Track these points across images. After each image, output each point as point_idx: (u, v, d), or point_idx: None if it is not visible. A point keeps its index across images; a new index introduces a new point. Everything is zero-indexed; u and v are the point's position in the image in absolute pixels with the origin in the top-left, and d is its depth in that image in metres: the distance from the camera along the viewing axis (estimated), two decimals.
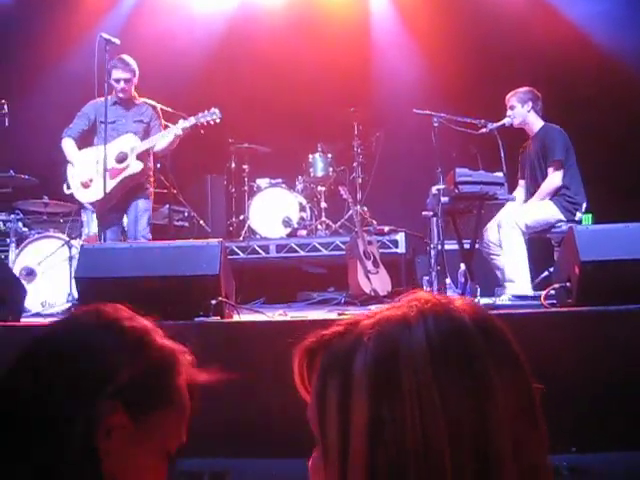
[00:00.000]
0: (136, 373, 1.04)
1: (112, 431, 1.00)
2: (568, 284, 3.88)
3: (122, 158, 5.59)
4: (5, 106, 6.19)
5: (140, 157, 5.61)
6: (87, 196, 5.66)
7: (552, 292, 4.12)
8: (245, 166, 7.75)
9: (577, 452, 3.11)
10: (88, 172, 5.60)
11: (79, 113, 5.78)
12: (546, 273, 5.34)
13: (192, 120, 5.62)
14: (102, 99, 5.62)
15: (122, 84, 5.67)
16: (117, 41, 5.43)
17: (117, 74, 5.65)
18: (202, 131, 5.74)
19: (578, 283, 3.72)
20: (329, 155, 7.60)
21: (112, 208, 5.67)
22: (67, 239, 6.11)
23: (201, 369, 1.15)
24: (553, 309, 3.95)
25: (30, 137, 7.08)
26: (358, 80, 7.77)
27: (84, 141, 5.75)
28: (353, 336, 0.84)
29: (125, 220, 5.86)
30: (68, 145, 5.74)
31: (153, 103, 5.85)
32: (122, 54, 5.73)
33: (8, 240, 6.30)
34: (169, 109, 5.90)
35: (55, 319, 1.14)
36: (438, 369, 0.78)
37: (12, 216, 6.38)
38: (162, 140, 5.65)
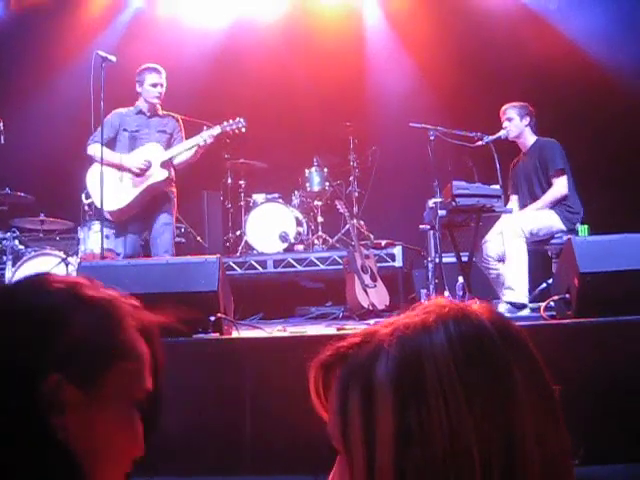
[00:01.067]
0: (72, 338, 0.92)
1: (64, 407, 0.91)
2: (567, 296, 3.88)
3: (146, 166, 5.57)
4: (1, 123, 6.19)
5: (164, 166, 5.58)
6: (108, 204, 5.52)
7: (551, 304, 4.11)
8: (241, 181, 7.74)
9: (579, 465, 3.09)
10: (113, 180, 5.53)
11: (103, 122, 5.60)
12: (544, 285, 5.33)
13: (217, 129, 5.60)
14: (126, 109, 5.69)
15: (159, 89, 5.69)
16: (113, 58, 5.41)
17: (154, 78, 5.68)
18: (228, 140, 5.73)
19: (577, 294, 3.72)
20: (325, 169, 7.60)
21: (133, 220, 5.64)
22: (64, 256, 6.09)
23: (149, 312, 1.05)
24: (553, 321, 3.94)
25: (26, 155, 7.08)
26: (353, 94, 7.79)
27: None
28: (372, 345, 0.84)
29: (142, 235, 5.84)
30: (98, 150, 5.52)
31: (176, 116, 5.85)
32: (149, 64, 5.74)
33: (5, 258, 6.29)
34: (192, 119, 5.88)
35: None
36: (462, 370, 0.79)
37: (8, 234, 6.36)
38: (186, 151, 5.62)
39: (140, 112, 5.75)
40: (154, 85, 5.68)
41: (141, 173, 5.56)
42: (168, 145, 5.71)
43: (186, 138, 5.76)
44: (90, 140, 5.65)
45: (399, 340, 0.82)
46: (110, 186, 5.49)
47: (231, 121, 5.66)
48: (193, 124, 5.80)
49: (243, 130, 5.68)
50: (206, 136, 5.56)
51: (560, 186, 5.24)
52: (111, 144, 5.68)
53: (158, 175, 5.58)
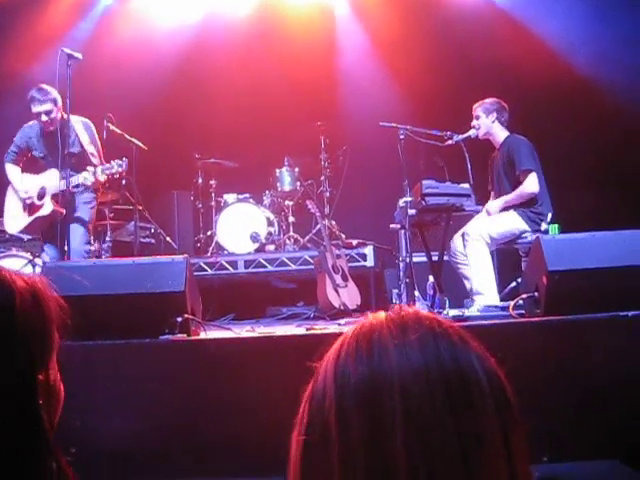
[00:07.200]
0: None
1: None
2: (536, 294, 3.89)
3: (41, 195, 5.51)
4: None
5: (55, 198, 5.40)
6: (11, 226, 5.70)
7: (520, 302, 4.12)
8: (212, 181, 7.69)
9: (549, 462, 3.10)
10: (19, 202, 5.62)
11: (15, 138, 5.69)
12: (514, 284, 5.34)
13: (91, 177, 5.28)
14: (30, 125, 5.62)
15: (44, 117, 5.37)
16: (79, 55, 5.30)
17: (35, 108, 5.35)
18: (107, 185, 5.60)
19: (546, 293, 3.73)
20: (296, 169, 7.58)
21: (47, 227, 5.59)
22: (31, 257, 6.00)
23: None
24: (521, 319, 3.95)
25: None
26: (324, 94, 7.77)
27: (30, 166, 5.68)
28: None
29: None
30: (9, 171, 5.69)
31: (86, 122, 5.55)
32: (41, 84, 5.43)
33: None
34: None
35: None
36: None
37: None
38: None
39: (43, 134, 5.53)
40: (37, 114, 5.39)
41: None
42: (78, 163, 5.38)
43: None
44: (5, 157, 5.70)
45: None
46: (16, 207, 5.63)
47: (113, 163, 5.30)
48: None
49: (121, 171, 5.32)
50: (82, 179, 5.29)
51: (530, 183, 5.17)
52: (27, 162, 5.67)
53: (45, 209, 5.49)
